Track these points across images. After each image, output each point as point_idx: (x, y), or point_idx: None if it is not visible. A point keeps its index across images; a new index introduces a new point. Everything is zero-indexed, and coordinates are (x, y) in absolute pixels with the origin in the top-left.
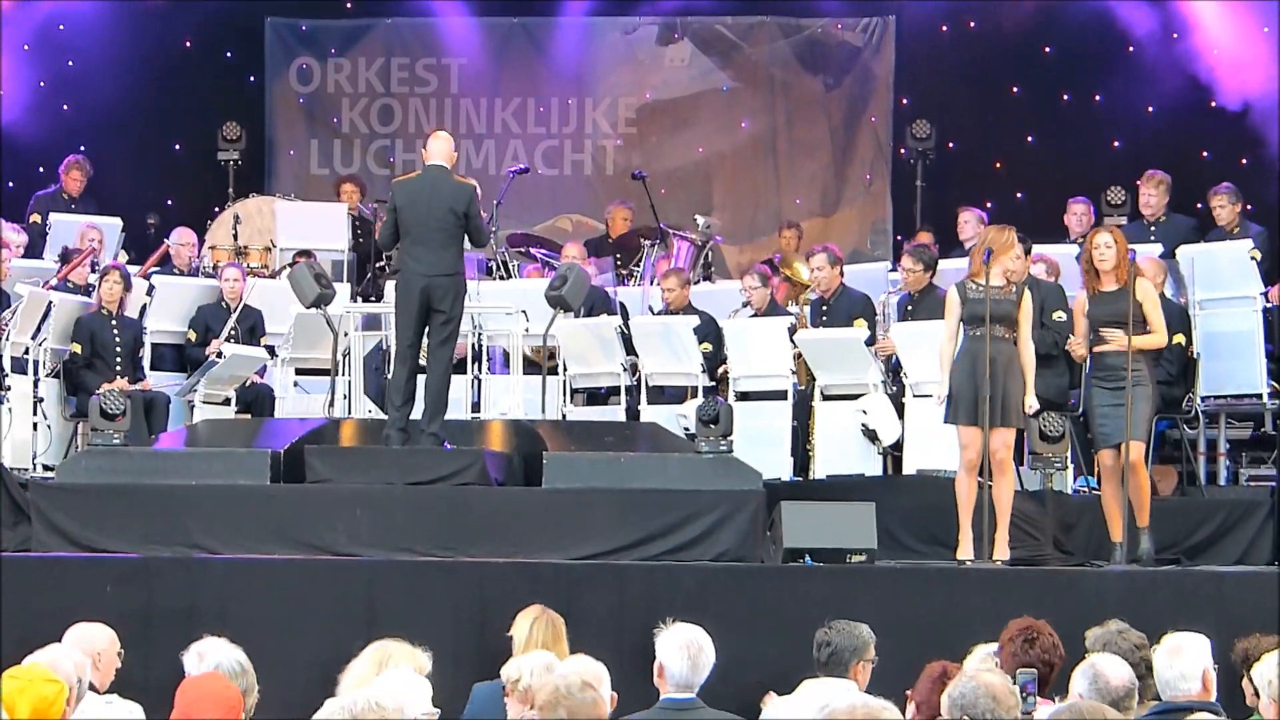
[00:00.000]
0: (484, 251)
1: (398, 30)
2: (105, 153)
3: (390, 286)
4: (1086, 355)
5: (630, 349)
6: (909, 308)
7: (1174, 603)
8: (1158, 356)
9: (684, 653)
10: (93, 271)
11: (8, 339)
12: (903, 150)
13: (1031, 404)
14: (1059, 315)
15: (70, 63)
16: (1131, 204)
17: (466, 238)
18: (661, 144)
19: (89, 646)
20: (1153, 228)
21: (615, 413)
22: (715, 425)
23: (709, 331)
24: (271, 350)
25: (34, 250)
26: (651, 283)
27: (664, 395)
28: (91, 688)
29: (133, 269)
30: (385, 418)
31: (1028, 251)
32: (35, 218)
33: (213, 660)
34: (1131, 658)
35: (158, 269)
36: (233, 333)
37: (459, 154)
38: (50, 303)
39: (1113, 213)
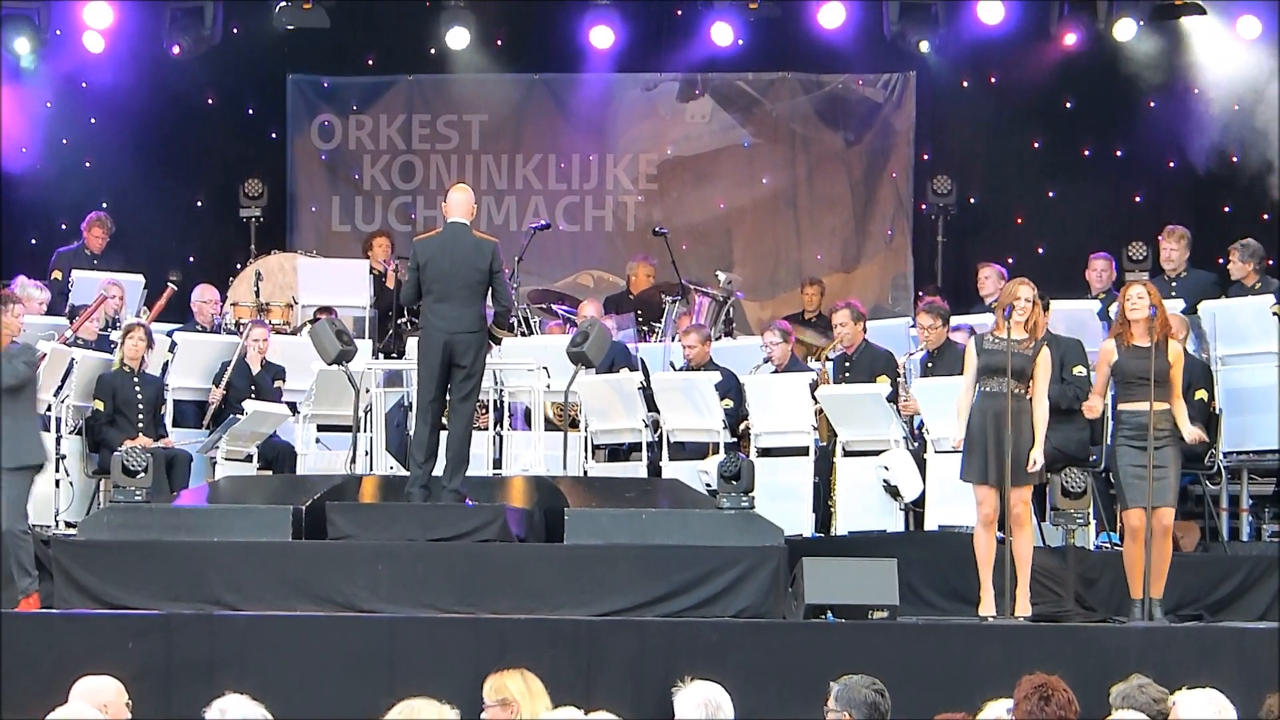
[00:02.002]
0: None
1: (419, 87)
2: (127, 209)
3: (412, 343)
4: (1100, 411)
5: (652, 405)
6: (929, 364)
7: (1196, 658)
8: None
9: (702, 710)
10: (114, 328)
11: None
12: (924, 205)
13: (1036, 459)
14: (1079, 370)
15: (93, 120)
16: (1153, 259)
17: (490, 296)
18: (682, 199)
19: (96, 698)
20: (1174, 283)
21: (637, 468)
22: (737, 481)
23: (730, 387)
24: (293, 407)
25: (56, 307)
26: (673, 339)
27: (685, 451)
28: None
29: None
30: (407, 474)
31: (1046, 308)
32: (57, 274)
33: (235, 717)
34: (1150, 712)
35: (180, 325)
36: (252, 390)
37: (480, 210)
38: (72, 360)
39: (1134, 268)
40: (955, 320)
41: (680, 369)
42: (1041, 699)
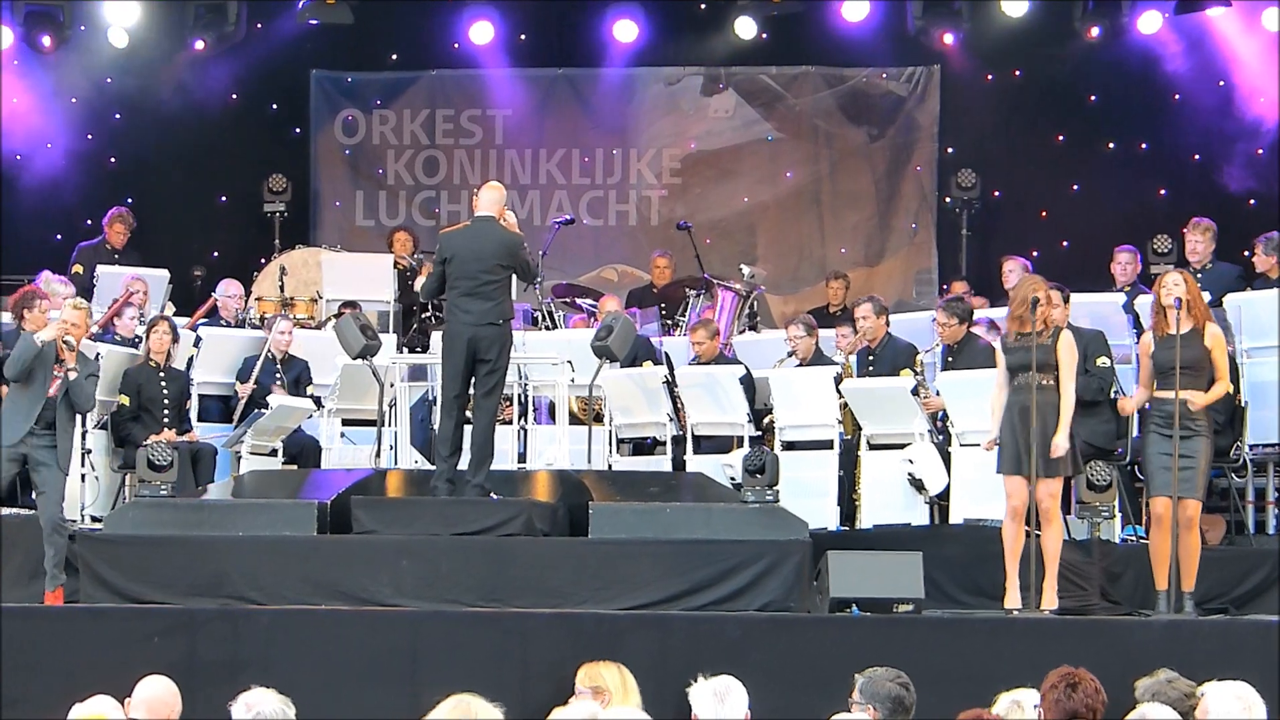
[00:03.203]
0: (529, 301)
1: (441, 82)
2: (152, 205)
3: (436, 337)
4: (1133, 410)
5: (676, 399)
6: (950, 359)
7: (1221, 652)
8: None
9: (712, 694)
10: (140, 323)
11: None
12: (947, 199)
13: (1060, 444)
14: (1103, 361)
15: (118, 115)
16: (1178, 252)
17: (515, 279)
18: (706, 194)
19: (156, 697)
20: (1199, 275)
21: (661, 463)
22: (761, 475)
23: (744, 383)
24: (318, 401)
25: None
26: None
27: (709, 445)
28: None
29: (180, 320)
30: (432, 468)
31: (1066, 300)
32: (78, 269)
33: (260, 711)
34: (1180, 706)
35: (204, 321)
36: (279, 380)
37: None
38: (98, 355)
39: (1159, 261)
40: (981, 314)
41: (692, 364)
42: (1069, 687)
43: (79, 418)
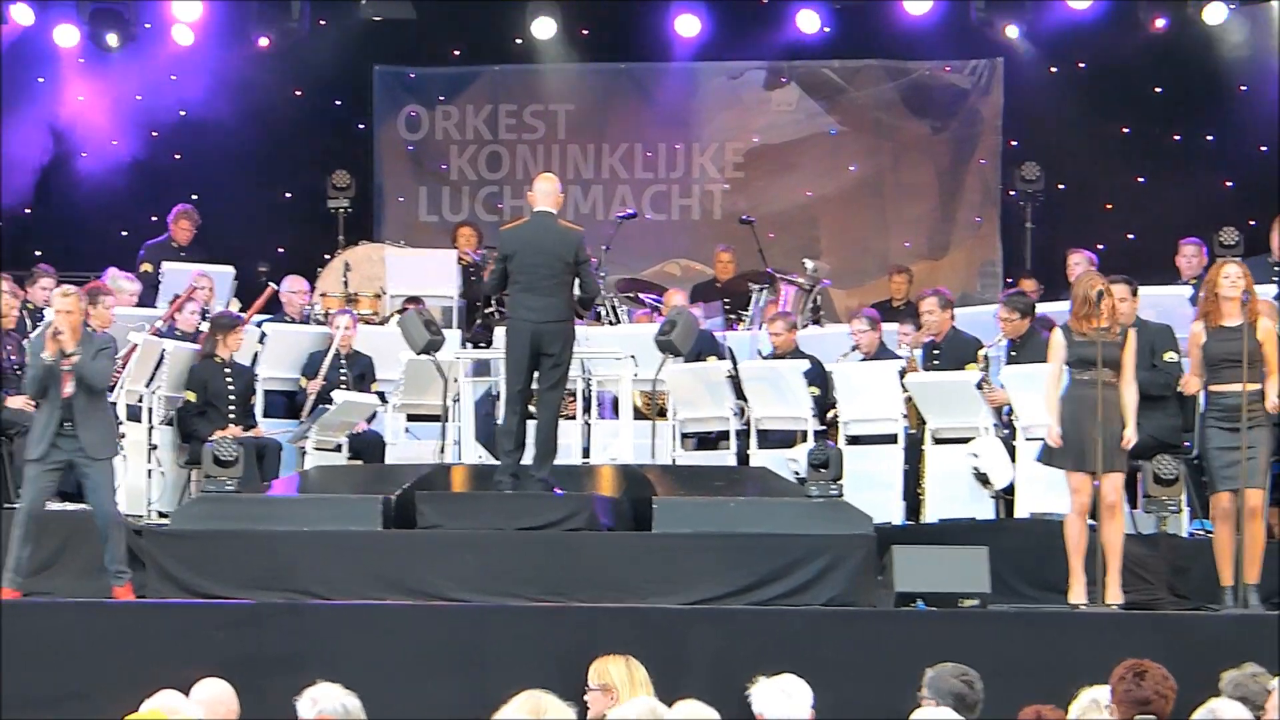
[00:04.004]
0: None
1: (504, 77)
2: (216, 202)
3: (500, 332)
4: (1199, 390)
5: (740, 393)
6: (1013, 354)
7: None
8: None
9: (778, 691)
10: (204, 319)
11: (122, 387)
12: (1011, 192)
13: (1130, 436)
14: (1170, 356)
15: (182, 113)
16: (1245, 244)
17: (578, 285)
18: (768, 188)
19: (215, 698)
20: (1277, 267)
21: (725, 457)
22: (825, 469)
23: (815, 375)
24: (382, 396)
25: (147, 299)
26: (760, 327)
27: (773, 439)
28: None
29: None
30: (495, 463)
31: (1134, 292)
32: (146, 267)
33: (325, 706)
34: (1260, 700)
35: (269, 316)
36: (344, 379)
37: (567, 199)
38: (164, 351)
39: (1225, 253)
40: (1042, 308)
41: (766, 356)
42: (1136, 676)
43: (157, 411)
